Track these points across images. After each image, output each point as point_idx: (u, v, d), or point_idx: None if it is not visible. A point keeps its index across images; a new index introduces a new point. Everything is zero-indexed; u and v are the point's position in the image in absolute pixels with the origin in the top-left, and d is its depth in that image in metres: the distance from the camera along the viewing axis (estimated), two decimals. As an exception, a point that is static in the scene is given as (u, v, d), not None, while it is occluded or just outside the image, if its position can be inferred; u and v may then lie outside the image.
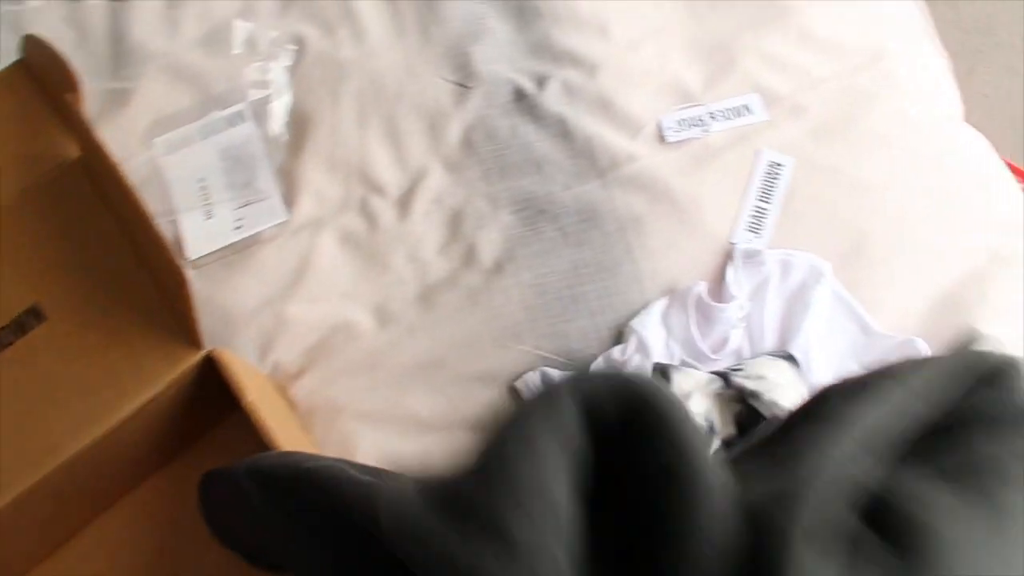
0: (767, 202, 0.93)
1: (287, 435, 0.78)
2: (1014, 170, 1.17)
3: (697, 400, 0.81)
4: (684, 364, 0.88)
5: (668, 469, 0.38)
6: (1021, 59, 1.71)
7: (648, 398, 0.40)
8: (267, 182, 0.96)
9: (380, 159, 0.98)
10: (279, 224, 0.95)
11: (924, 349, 0.85)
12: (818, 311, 0.88)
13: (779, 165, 0.94)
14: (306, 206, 0.96)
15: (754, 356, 0.87)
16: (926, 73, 1.04)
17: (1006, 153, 1.14)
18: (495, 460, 0.38)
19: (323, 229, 0.94)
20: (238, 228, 0.95)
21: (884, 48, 1.02)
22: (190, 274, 0.91)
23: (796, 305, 0.89)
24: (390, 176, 0.97)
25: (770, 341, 0.89)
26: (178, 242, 0.94)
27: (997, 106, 1.67)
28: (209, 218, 0.95)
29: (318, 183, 0.97)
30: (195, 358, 0.78)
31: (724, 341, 0.88)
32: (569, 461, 0.38)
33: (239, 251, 0.94)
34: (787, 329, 0.89)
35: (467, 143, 0.98)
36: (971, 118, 1.03)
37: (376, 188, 0.97)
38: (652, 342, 0.87)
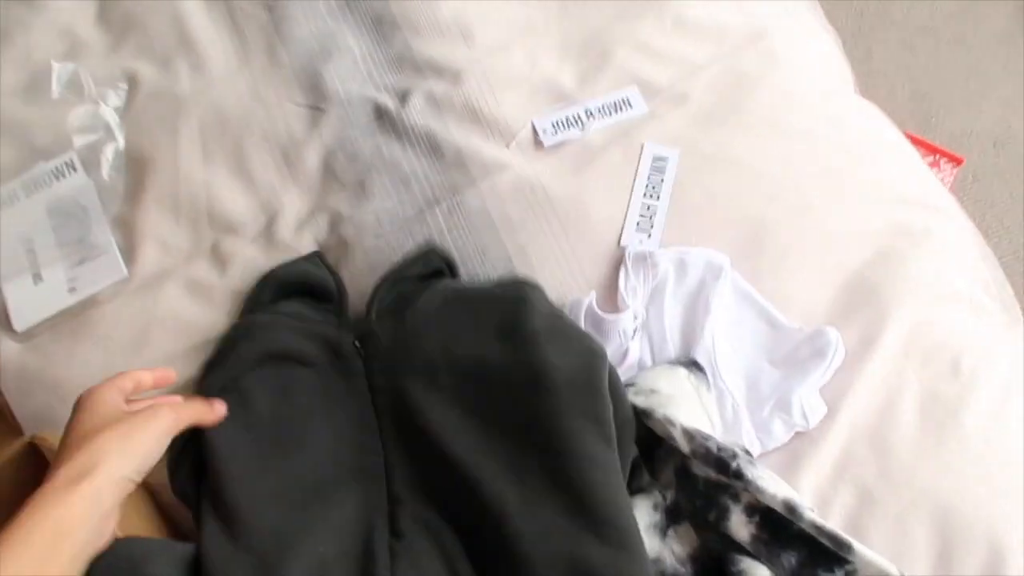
0: (655, 199, 0.86)
1: (125, 521, 0.67)
2: (917, 142, 1.12)
3: None
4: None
5: None
6: (915, 36, 1.69)
7: None
8: (103, 235, 0.86)
9: (230, 196, 0.88)
10: (118, 282, 0.84)
11: (836, 339, 0.78)
12: (720, 310, 0.81)
13: (663, 159, 0.87)
14: (149, 258, 0.85)
15: (652, 367, 0.79)
16: (811, 48, 0.98)
17: (909, 128, 1.10)
18: None
19: (169, 281, 0.84)
20: (72, 290, 0.84)
21: (764, 27, 0.96)
22: (13, 350, 0.80)
23: (696, 306, 0.81)
24: (244, 213, 0.88)
25: (673, 348, 0.81)
26: (4, 312, 0.83)
27: (898, 83, 1.65)
28: (38, 283, 0.84)
29: (162, 231, 0.86)
30: (14, 447, 0.68)
31: (623, 354, 0.79)
32: None
33: (75, 316, 0.83)
34: (689, 333, 0.81)
35: (327, 169, 0.89)
36: (872, 96, 0.98)
37: (229, 228, 0.87)
38: (545, 365, 0.78)
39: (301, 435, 0.70)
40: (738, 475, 0.66)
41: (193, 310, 0.83)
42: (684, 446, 0.68)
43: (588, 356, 0.68)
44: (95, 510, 0.55)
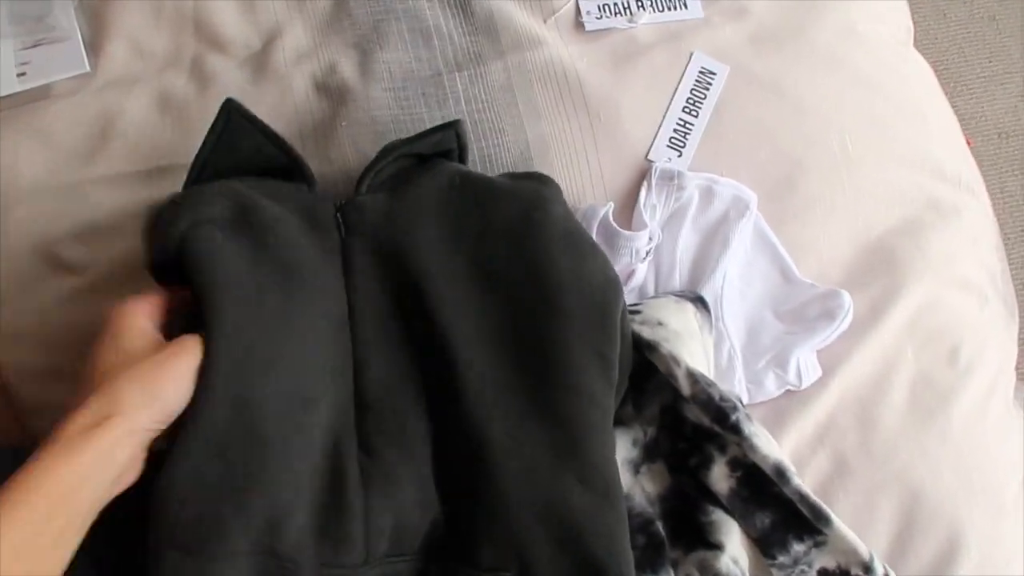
0: (693, 115, 0.78)
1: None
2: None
3: None
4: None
5: None
6: (951, 4, 1.62)
7: None
8: (65, 18, 0.73)
9: (223, 6, 0.76)
10: (78, 76, 0.72)
11: (848, 304, 0.74)
12: (738, 250, 0.75)
13: (711, 73, 0.79)
14: (118, 57, 0.74)
15: (658, 295, 0.74)
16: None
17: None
18: None
19: (137, 88, 0.73)
20: (22, 75, 0.72)
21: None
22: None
23: (714, 240, 0.76)
24: (237, 31, 0.76)
25: (680, 279, 0.75)
26: (-65, 84, 0.71)
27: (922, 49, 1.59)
28: (-19, 57, 0.72)
29: (137, 30, 0.75)
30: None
31: (628, 275, 0.74)
32: None
33: (21, 105, 0.71)
34: (700, 267, 0.76)
35: (338, 3, 0.78)
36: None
37: (216, 43, 0.76)
38: (543, 269, 0.72)
39: (286, 322, 0.55)
40: (735, 429, 0.63)
41: (160, 127, 0.73)
42: (686, 388, 0.64)
43: (605, 284, 0.60)
44: (107, 467, 0.46)
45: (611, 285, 0.60)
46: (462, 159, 0.70)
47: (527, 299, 0.59)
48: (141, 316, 0.52)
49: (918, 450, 0.73)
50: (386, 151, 0.64)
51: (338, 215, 0.61)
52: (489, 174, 0.72)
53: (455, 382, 0.57)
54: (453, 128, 0.66)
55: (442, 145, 0.67)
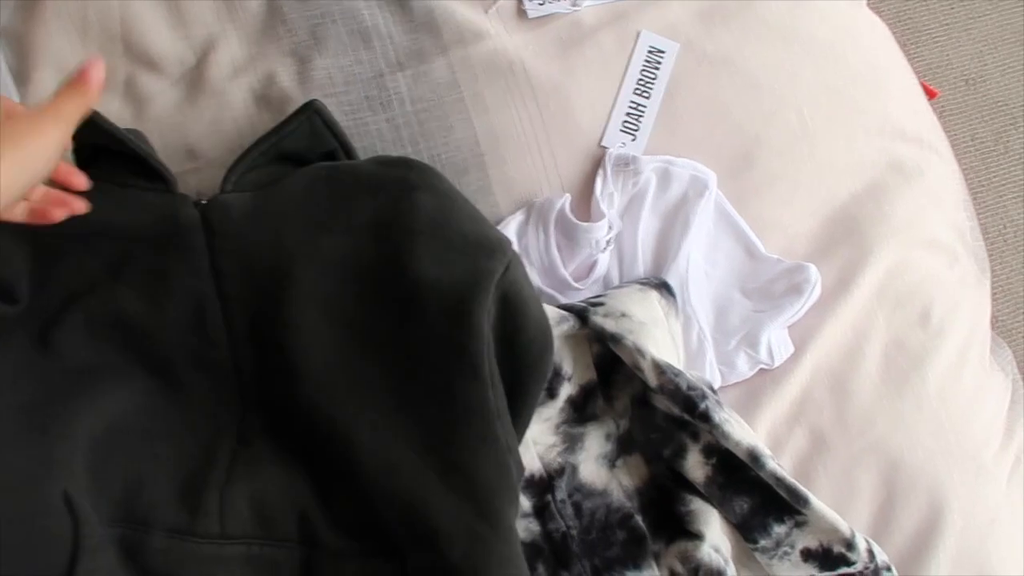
0: (645, 97, 0.76)
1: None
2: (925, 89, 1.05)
3: None
4: (542, 294, 0.72)
5: None
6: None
7: None
8: (-12, 49, 0.70)
9: (152, 23, 0.74)
10: (7, 108, 0.70)
11: (815, 277, 0.73)
12: (699, 231, 0.74)
13: (660, 52, 0.78)
14: (47, 85, 0.71)
15: (620, 285, 0.73)
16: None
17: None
18: None
19: (70, 117, 0.70)
20: (-52, 112, 0.69)
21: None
22: None
23: (675, 222, 0.74)
24: (168, 47, 0.74)
25: (643, 265, 0.74)
26: None
27: (884, 2, 1.57)
28: (-96, 97, 0.69)
29: (63, 53, 0.72)
30: None
31: (590, 267, 0.72)
32: None
33: (-50, 144, 0.69)
34: (663, 251, 0.74)
35: (273, 8, 0.75)
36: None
37: (148, 62, 0.73)
38: (503, 268, 0.70)
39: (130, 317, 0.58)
40: (704, 417, 0.62)
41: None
42: (652, 380, 0.63)
43: (466, 276, 0.57)
44: None
45: (478, 275, 0.57)
46: (348, 155, 0.67)
47: (390, 298, 0.58)
48: None
49: (894, 418, 0.73)
50: (244, 154, 0.63)
51: (200, 215, 0.60)
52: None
53: (322, 385, 0.57)
54: (309, 111, 0.64)
55: (323, 145, 0.66)
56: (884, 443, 0.72)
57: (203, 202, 0.60)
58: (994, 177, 1.51)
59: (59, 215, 0.53)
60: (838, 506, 0.66)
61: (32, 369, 0.57)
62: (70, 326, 0.59)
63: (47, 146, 0.48)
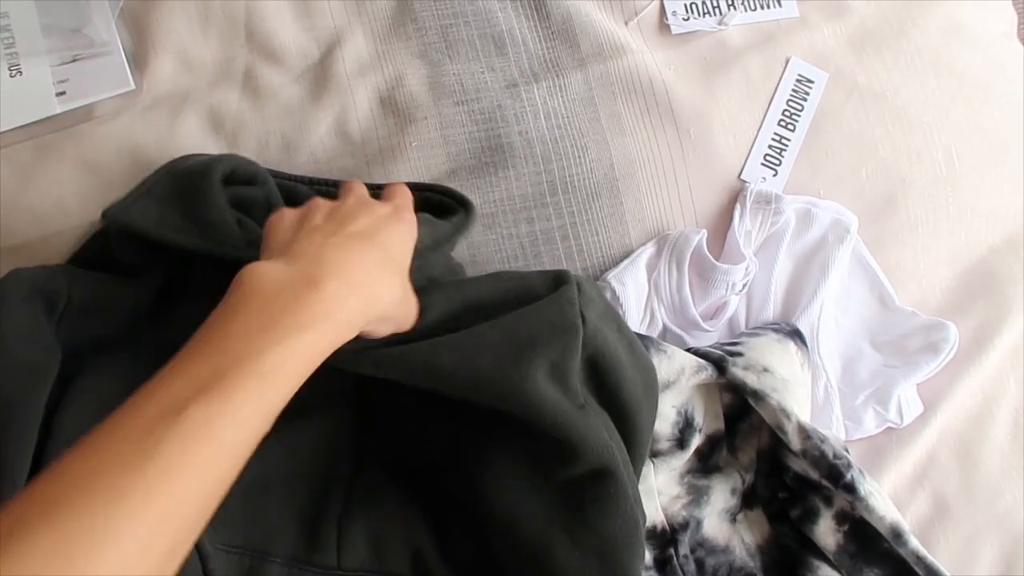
0: (790, 129, 0.72)
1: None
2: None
3: (674, 392, 0.62)
4: (668, 332, 0.69)
5: None
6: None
7: None
8: (106, 30, 0.66)
9: (276, 13, 0.69)
10: (123, 94, 0.66)
11: (955, 337, 0.69)
12: (836, 277, 0.70)
13: (809, 81, 0.73)
14: (164, 71, 0.67)
15: (753, 330, 0.69)
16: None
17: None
18: None
19: (188, 107, 0.66)
20: (62, 95, 0.66)
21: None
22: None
23: (810, 266, 0.71)
24: (291, 40, 0.69)
25: (773, 308, 0.71)
26: (-31, 107, 0.64)
27: None
28: (16, 75, 0.65)
29: (184, 39, 0.68)
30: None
31: (720, 307, 0.69)
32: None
33: (62, 129, 0.65)
34: (795, 296, 0.71)
35: (402, 6, 0.71)
36: None
37: (270, 54, 0.69)
38: (630, 302, 0.67)
39: None
40: (849, 488, 0.59)
41: (213, 151, 0.66)
42: (796, 443, 0.60)
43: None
44: (356, 328, 0.42)
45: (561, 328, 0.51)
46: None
47: None
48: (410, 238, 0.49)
49: (1021, 491, 0.70)
50: None
51: None
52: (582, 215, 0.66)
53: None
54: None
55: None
56: (1009, 516, 0.69)
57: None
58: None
59: None
60: (954, 572, 0.64)
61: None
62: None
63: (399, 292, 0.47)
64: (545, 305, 0.51)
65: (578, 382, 0.51)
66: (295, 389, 0.37)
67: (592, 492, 0.52)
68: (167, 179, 0.56)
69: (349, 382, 0.58)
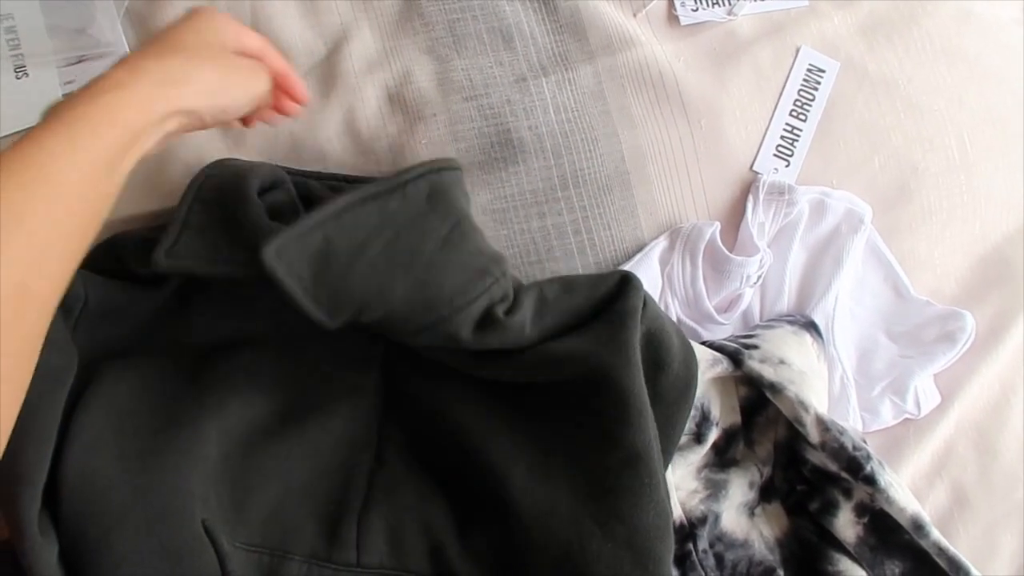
0: (801, 120, 0.71)
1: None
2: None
3: None
4: (682, 325, 0.68)
5: None
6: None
7: None
8: (111, 30, 0.66)
9: (283, 13, 0.69)
10: (131, 96, 0.65)
11: (971, 326, 0.69)
12: (851, 268, 0.70)
13: (820, 71, 0.72)
14: (172, 71, 0.66)
15: (768, 322, 0.69)
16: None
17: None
18: None
19: (197, 109, 0.66)
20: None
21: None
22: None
23: (824, 257, 0.70)
24: (297, 38, 0.69)
25: (787, 301, 0.70)
26: (-25, 111, 0.64)
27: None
28: (22, 77, 0.65)
29: (190, 38, 0.67)
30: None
31: (735, 299, 0.68)
32: None
33: (70, 131, 0.65)
34: (810, 287, 0.70)
35: (409, 2, 0.70)
36: None
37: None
38: (644, 296, 0.66)
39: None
40: (869, 480, 0.59)
41: (223, 153, 0.66)
42: (815, 436, 0.59)
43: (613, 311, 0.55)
44: (165, 128, 0.45)
45: (623, 314, 0.54)
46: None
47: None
48: (230, 29, 0.51)
49: (1042, 479, 0.69)
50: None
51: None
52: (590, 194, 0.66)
53: (450, 403, 0.56)
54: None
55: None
56: (1029, 505, 0.69)
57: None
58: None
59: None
60: (976, 566, 0.63)
61: (162, 386, 0.55)
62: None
63: (243, 103, 0.51)
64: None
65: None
66: (115, 143, 0.41)
67: (626, 482, 0.52)
68: (199, 207, 0.55)
69: (374, 373, 0.58)
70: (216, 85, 0.48)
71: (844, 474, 0.60)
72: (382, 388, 0.58)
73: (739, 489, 0.64)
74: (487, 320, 0.52)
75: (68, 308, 0.52)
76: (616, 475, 0.52)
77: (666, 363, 0.55)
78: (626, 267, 0.67)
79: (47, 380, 0.47)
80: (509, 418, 0.55)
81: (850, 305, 0.71)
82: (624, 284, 0.55)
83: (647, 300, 0.55)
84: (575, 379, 0.53)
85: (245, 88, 0.51)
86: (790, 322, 0.67)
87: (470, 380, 0.56)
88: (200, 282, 0.57)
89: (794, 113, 0.71)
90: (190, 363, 0.55)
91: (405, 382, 0.58)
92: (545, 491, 0.52)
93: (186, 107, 0.45)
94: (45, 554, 0.46)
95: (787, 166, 0.71)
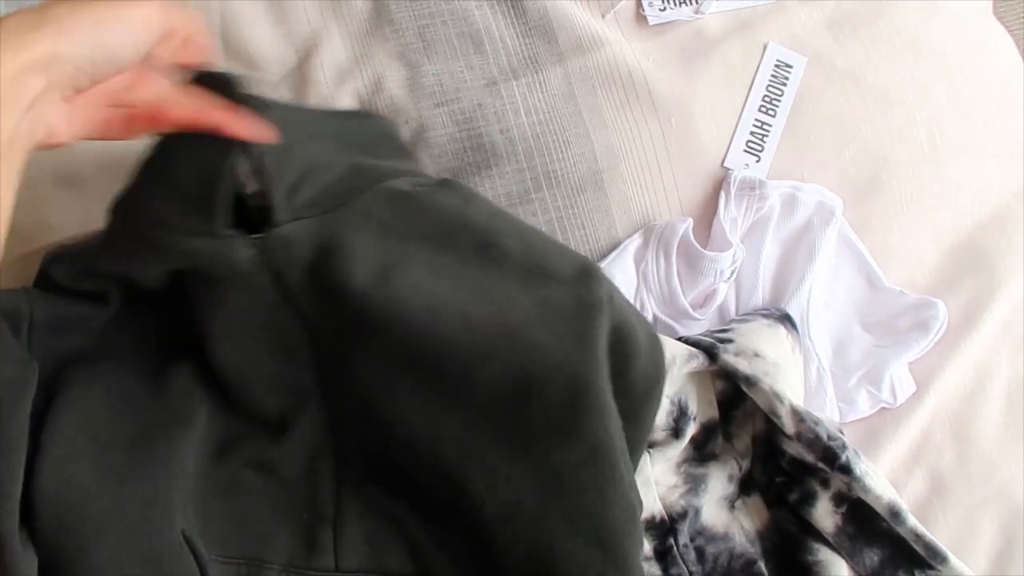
0: (771, 115, 0.72)
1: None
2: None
3: (667, 381, 0.61)
4: (658, 322, 0.69)
5: None
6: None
7: None
8: None
9: (253, 19, 0.69)
10: (103, 110, 0.66)
11: (944, 314, 0.70)
12: (823, 260, 0.71)
13: (788, 66, 0.73)
14: (143, 84, 0.67)
15: (743, 316, 0.69)
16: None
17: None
18: None
19: (170, 121, 0.66)
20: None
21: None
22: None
23: (797, 251, 0.71)
24: (269, 45, 0.69)
25: (762, 295, 0.71)
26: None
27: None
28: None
29: (161, 51, 0.67)
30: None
31: (710, 295, 0.69)
32: None
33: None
34: (783, 281, 0.71)
35: (378, 8, 0.70)
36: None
37: (247, 62, 0.69)
38: (619, 294, 0.67)
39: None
40: (845, 469, 0.59)
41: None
42: (790, 427, 0.60)
43: (576, 304, 0.53)
44: (27, 92, 0.37)
45: (589, 307, 0.52)
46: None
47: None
48: None
49: (1018, 464, 0.70)
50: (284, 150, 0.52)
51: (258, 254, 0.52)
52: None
53: (398, 408, 0.53)
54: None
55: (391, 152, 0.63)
56: (1006, 490, 0.69)
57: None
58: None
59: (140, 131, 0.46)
60: (954, 552, 0.64)
61: (131, 394, 0.54)
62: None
63: (129, 46, 0.41)
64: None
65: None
66: None
67: (589, 478, 0.52)
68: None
69: (308, 378, 0.55)
70: (85, 18, 0.39)
71: (820, 464, 0.61)
72: (324, 391, 0.55)
73: (719, 483, 0.64)
74: None
75: (15, 324, 0.51)
76: (578, 471, 0.52)
77: (632, 356, 0.54)
78: (601, 265, 0.68)
79: (7, 390, 0.47)
80: (461, 415, 0.52)
81: (824, 297, 0.72)
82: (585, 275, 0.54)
83: (613, 293, 0.54)
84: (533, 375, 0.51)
85: (131, 19, 0.41)
86: (764, 315, 0.68)
87: (416, 375, 0.53)
88: (148, 293, 0.56)
89: (763, 109, 0.72)
90: (153, 371, 0.55)
91: (344, 380, 0.55)
92: (507, 491, 0.52)
93: (44, 53, 0.38)
94: (25, 567, 0.46)
95: (758, 161, 0.71)
